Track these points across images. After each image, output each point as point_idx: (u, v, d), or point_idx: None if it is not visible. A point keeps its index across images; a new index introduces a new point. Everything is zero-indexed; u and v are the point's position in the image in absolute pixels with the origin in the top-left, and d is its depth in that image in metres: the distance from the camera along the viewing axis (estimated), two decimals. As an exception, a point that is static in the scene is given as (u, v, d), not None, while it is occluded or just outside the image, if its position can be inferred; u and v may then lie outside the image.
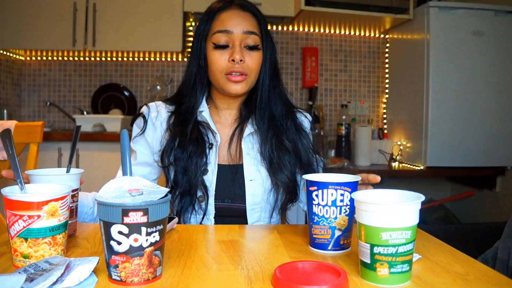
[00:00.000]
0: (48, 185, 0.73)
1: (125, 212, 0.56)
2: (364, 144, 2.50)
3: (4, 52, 2.67)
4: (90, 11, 2.54)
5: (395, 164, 2.60)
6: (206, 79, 1.10)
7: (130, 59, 2.93)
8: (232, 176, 1.07)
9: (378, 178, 0.87)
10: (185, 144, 1.05)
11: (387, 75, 3.00)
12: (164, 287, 0.58)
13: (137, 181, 0.64)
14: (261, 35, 1.08)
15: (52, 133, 2.36)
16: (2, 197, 0.65)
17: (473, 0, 2.39)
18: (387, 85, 3.00)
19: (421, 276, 0.63)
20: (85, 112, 2.85)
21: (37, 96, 2.91)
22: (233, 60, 1.03)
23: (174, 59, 2.94)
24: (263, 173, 1.08)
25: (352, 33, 3.01)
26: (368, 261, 0.60)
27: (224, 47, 1.05)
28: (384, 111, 3.02)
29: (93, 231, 0.87)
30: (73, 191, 0.79)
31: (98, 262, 0.60)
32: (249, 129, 1.10)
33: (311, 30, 2.98)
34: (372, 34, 3.02)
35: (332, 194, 0.74)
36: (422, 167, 2.42)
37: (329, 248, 0.76)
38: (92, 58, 2.91)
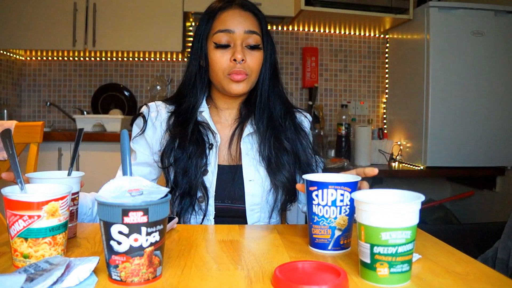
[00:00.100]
0: (48, 185, 0.73)
1: (125, 212, 0.56)
2: (364, 144, 2.50)
3: (4, 52, 2.67)
4: (90, 11, 2.55)
5: (395, 164, 2.60)
6: (206, 79, 1.10)
7: (130, 59, 2.93)
8: (232, 176, 1.07)
9: (375, 171, 0.82)
10: (185, 145, 1.04)
11: (387, 75, 3.00)
12: (164, 287, 0.58)
13: (137, 181, 0.64)
14: (262, 34, 1.08)
15: (52, 133, 2.36)
16: (2, 197, 0.65)
17: (473, 0, 2.39)
18: (387, 85, 3.00)
19: (421, 276, 0.63)
20: (85, 112, 2.85)
21: (37, 96, 2.92)
22: (234, 60, 1.03)
23: (174, 59, 2.94)
24: (262, 173, 1.08)
25: (352, 33, 3.01)
26: (368, 261, 0.60)
27: (225, 46, 1.05)
28: (384, 111, 3.02)
29: (93, 231, 0.87)
30: (73, 194, 0.79)
31: (98, 262, 0.60)
32: (248, 129, 1.10)
33: (311, 30, 2.98)
34: (372, 34, 3.02)
35: (332, 194, 0.74)
36: (422, 167, 2.42)
37: (329, 248, 0.75)
38: (92, 58, 2.91)
